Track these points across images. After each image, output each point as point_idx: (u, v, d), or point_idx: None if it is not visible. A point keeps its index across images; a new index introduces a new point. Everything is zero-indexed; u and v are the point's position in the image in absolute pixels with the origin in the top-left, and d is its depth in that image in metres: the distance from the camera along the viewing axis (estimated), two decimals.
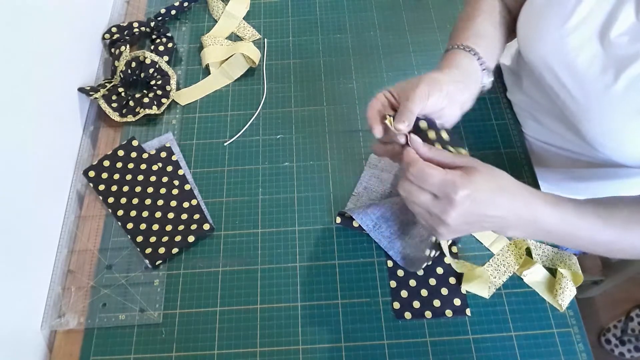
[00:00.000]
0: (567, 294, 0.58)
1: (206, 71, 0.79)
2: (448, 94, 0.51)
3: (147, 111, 0.72)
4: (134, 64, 0.75)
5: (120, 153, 0.69)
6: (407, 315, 0.58)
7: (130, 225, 0.64)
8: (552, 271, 0.60)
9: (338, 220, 0.64)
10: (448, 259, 0.59)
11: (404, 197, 0.47)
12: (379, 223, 0.61)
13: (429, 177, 0.44)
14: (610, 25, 0.52)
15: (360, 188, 0.66)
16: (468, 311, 0.58)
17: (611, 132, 0.54)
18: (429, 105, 0.49)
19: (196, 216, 0.64)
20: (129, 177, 0.68)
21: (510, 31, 0.65)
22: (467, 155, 0.48)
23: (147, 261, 0.62)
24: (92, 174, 0.68)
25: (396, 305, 0.59)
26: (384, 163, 0.68)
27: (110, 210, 0.65)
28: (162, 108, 0.73)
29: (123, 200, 0.66)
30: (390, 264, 0.61)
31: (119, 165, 0.68)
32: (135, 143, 0.70)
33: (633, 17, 0.51)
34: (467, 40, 0.57)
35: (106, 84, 0.74)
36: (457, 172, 0.44)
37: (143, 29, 0.81)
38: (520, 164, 0.68)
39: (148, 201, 0.66)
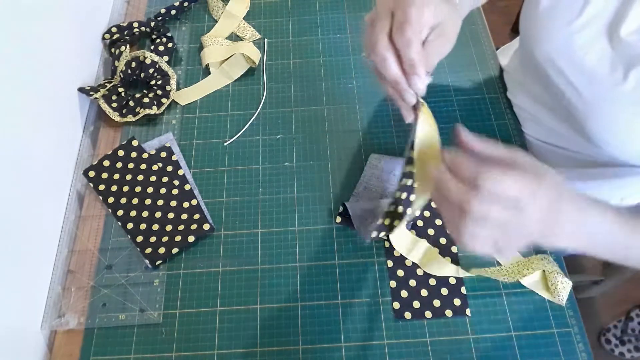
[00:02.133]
0: (560, 287, 0.58)
1: (206, 71, 0.79)
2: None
3: (147, 111, 0.72)
4: (134, 64, 0.75)
5: (120, 153, 0.69)
6: (407, 315, 0.58)
7: (130, 225, 0.64)
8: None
9: (338, 220, 0.64)
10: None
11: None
12: (364, 215, 0.60)
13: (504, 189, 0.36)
14: (620, 23, 0.52)
15: (361, 188, 0.66)
16: (468, 311, 0.58)
17: (619, 130, 0.55)
18: (429, 19, 0.42)
19: (196, 216, 0.64)
20: (129, 177, 0.68)
21: None
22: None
23: (147, 261, 0.62)
24: (92, 174, 0.68)
25: (396, 305, 0.59)
26: (384, 163, 0.68)
27: (110, 210, 0.65)
28: (162, 108, 0.73)
29: (123, 200, 0.66)
30: (390, 263, 0.61)
31: (119, 165, 0.68)
32: (135, 143, 0.70)
33: None
34: None
35: (106, 84, 0.74)
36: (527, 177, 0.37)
37: (143, 29, 0.81)
38: None
39: (148, 201, 0.66)
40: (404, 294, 0.59)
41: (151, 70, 0.75)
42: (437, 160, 0.43)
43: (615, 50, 0.53)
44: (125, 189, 0.67)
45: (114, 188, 0.67)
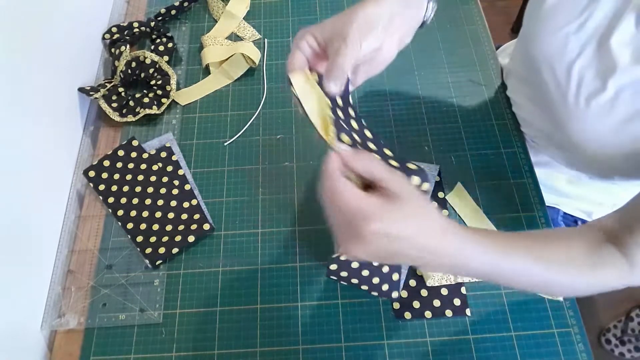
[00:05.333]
0: None
1: (206, 71, 0.79)
2: (384, 30, 0.44)
3: (147, 111, 0.72)
4: (134, 64, 0.75)
5: (120, 153, 0.69)
6: (407, 315, 0.58)
7: (130, 225, 0.64)
8: None
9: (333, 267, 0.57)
10: None
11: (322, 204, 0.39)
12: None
13: (341, 201, 0.36)
14: (611, 32, 0.53)
15: None
16: (468, 311, 0.58)
17: (594, 139, 0.55)
18: (362, 50, 0.43)
19: (196, 216, 0.64)
20: (129, 177, 0.68)
21: None
22: (401, 179, 0.38)
23: (147, 261, 0.62)
24: (92, 174, 0.68)
25: (396, 305, 0.59)
26: None
27: (110, 210, 0.65)
28: (162, 108, 0.73)
29: (123, 200, 0.66)
30: None
31: (119, 165, 0.68)
32: (135, 143, 0.70)
33: (633, 28, 0.52)
34: None
35: (106, 84, 0.74)
36: (376, 200, 0.36)
37: (143, 29, 0.81)
38: (520, 164, 0.68)
39: (148, 201, 0.66)
40: (404, 294, 0.59)
41: (151, 70, 0.75)
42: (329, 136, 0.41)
43: (601, 58, 0.53)
44: (125, 189, 0.67)
45: (114, 188, 0.67)
